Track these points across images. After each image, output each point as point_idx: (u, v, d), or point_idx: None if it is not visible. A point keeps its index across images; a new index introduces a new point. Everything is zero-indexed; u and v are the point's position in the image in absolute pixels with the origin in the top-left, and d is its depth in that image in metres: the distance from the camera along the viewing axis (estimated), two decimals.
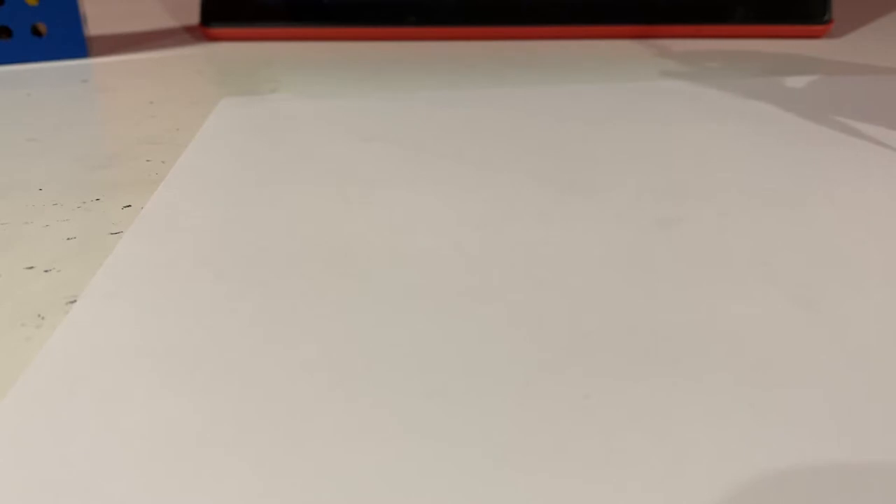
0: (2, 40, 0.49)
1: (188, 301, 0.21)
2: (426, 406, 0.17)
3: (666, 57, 0.51)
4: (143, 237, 0.25)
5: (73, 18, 0.50)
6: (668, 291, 0.22)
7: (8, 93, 0.44)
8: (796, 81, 0.43)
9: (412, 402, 0.17)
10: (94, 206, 0.28)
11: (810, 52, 0.51)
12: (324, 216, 0.27)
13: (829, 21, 0.55)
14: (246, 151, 0.33)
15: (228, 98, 0.42)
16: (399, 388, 0.18)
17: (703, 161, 0.31)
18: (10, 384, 0.18)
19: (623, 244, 0.24)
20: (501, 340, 0.19)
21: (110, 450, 0.16)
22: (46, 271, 0.24)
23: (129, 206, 0.28)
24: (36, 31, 0.50)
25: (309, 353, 0.19)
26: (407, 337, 0.20)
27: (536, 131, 0.35)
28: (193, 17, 0.61)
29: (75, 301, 0.22)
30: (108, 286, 0.22)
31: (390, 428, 0.17)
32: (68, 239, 0.26)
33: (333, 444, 0.16)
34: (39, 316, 0.21)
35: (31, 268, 0.24)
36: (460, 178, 0.30)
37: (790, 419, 0.17)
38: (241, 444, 0.16)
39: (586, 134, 0.34)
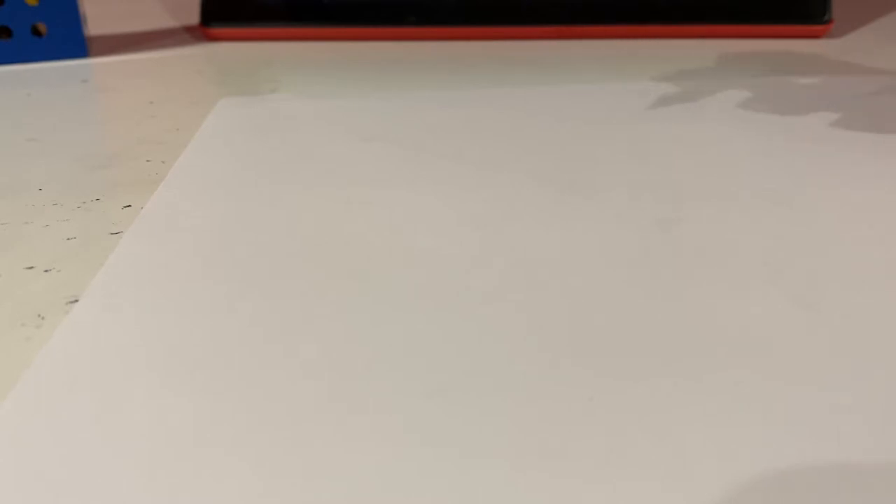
0: (2, 40, 0.49)
1: (188, 301, 0.21)
2: (426, 406, 0.17)
3: (666, 57, 0.51)
4: (143, 237, 0.25)
5: (73, 18, 0.50)
6: (668, 292, 0.22)
7: (8, 93, 0.44)
8: (796, 81, 0.43)
9: (412, 403, 0.17)
10: (94, 206, 0.28)
11: (810, 52, 0.51)
12: (324, 216, 0.27)
13: (829, 21, 0.55)
14: (246, 151, 0.33)
15: (227, 98, 0.42)
16: (399, 388, 0.18)
17: (703, 161, 0.31)
18: (11, 384, 0.18)
19: (623, 244, 0.24)
20: (501, 340, 0.19)
21: (110, 450, 0.16)
22: (46, 271, 0.24)
23: (129, 206, 0.28)
24: (36, 31, 0.50)
25: (309, 353, 0.19)
26: (407, 337, 0.20)
27: (536, 131, 0.35)
28: (193, 17, 0.61)
29: (76, 301, 0.22)
30: (108, 286, 0.22)
31: (390, 428, 0.17)
32: (68, 239, 0.26)
33: (333, 444, 0.16)
34: (39, 316, 0.21)
35: (31, 268, 0.24)
36: (460, 178, 0.30)
37: (790, 419, 0.17)
38: (241, 444, 0.16)
39: (586, 134, 0.34)
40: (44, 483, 0.15)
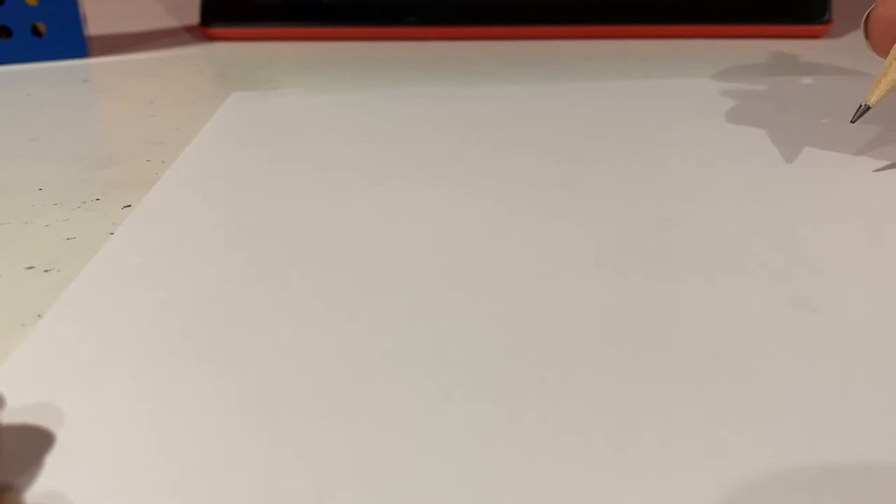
0: (2, 40, 0.49)
1: (180, 299, 0.21)
2: (424, 406, 0.17)
3: (665, 56, 0.51)
4: (136, 232, 0.25)
5: (73, 18, 0.50)
6: (667, 292, 0.22)
7: (8, 93, 0.44)
8: (796, 81, 0.43)
9: (409, 402, 0.17)
10: (94, 206, 0.28)
11: (810, 52, 0.51)
12: (323, 214, 0.26)
13: (829, 21, 0.55)
14: (249, 147, 0.33)
15: (239, 92, 0.42)
16: (398, 388, 0.18)
17: (702, 161, 0.31)
18: None
19: (621, 244, 0.24)
20: (502, 340, 0.19)
21: (89, 453, 0.16)
22: (46, 271, 0.24)
23: (129, 206, 0.28)
24: (36, 31, 0.50)
25: (307, 352, 0.19)
26: (407, 337, 0.20)
27: (537, 130, 0.35)
28: (193, 17, 0.61)
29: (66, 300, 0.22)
30: (93, 283, 0.22)
31: (390, 428, 0.17)
32: (68, 239, 0.26)
33: (326, 444, 0.16)
34: (39, 316, 0.21)
35: (31, 268, 0.24)
36: (461, 177, 0.30)
37: (790, 419, 0.17)
38: (237, 444, 0.16)
39: (586, 134, 0.34)
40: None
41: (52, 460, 0.16)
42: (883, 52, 0.30)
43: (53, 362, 0.19)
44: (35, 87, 0.45)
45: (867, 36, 0.31)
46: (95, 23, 0.60)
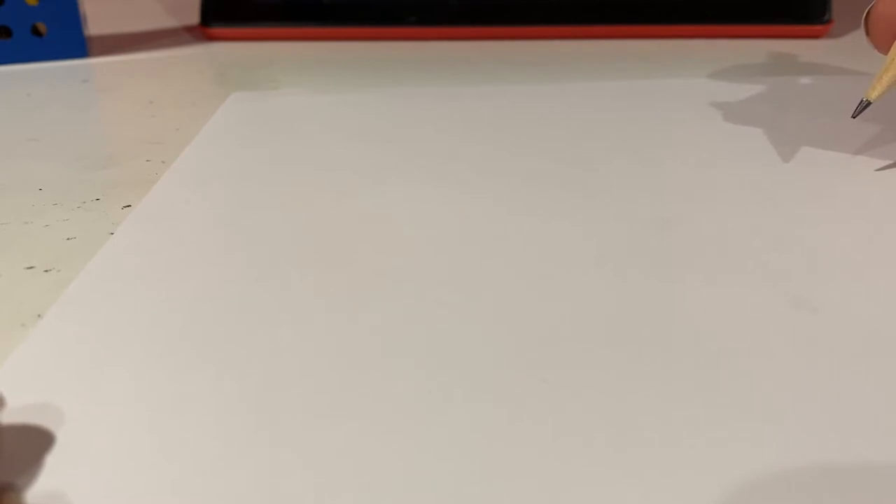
0: (2, 40, 0.49)
1: (180, 299, 0.21)
2: (424, 406, 0.17)
3: (665, 56, 0.51)
4: (136, 232, 0.25)
5: (73, 18, 0.50)
6: (667, 292, 0.22)
7: (8, 93, 0.44)
8: (796, 81, 0.43)
9: (409, 402, 0.17)
10: (94, 206, 0.28)
11: (810, 52, 0.51)
12: (323, 214, 0.26)
13: (829, 21, 0.55)
14: (249, 147, 0.33)
15: (239, 92, 0.42)
16: (398, 388, 0.18)
17: (702, 161, 0.31)
18: None
19: (621, 244, 0.24)
20: (502, 340, 0.19)
21: (89, 456, 0.16)
22: (46, 271, 0.24)
23: (129, 206, 0.28)
24: (36, 31, 0.50)
25: (307, 352, 0.19)
26: (407, 337, 0.20)
27: (537, 130, 0.35)
28: (193, 17, 0.61)
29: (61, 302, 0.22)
30: (93, 283, 0.22)
31: (390, 428, 0.17)
32: (68, 239, 0.26)
33: (326, 444, 0.16)
34: (39, 316, 0.21)
35: (31, 268, 0.24)
36: (461, 177, 0.30)
37: (790, 419, 0.17)
38: (237, 444, 0.16)
39: (586, 134, 0.34)
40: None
41: (52, 460, 0.16)
42: (884, 49, 0.30)
43: (53, 362, 0.19)
44: (35, 87, 0.45)
45: (867, 33, 0.31)
46: (95, 23, 0.60)
